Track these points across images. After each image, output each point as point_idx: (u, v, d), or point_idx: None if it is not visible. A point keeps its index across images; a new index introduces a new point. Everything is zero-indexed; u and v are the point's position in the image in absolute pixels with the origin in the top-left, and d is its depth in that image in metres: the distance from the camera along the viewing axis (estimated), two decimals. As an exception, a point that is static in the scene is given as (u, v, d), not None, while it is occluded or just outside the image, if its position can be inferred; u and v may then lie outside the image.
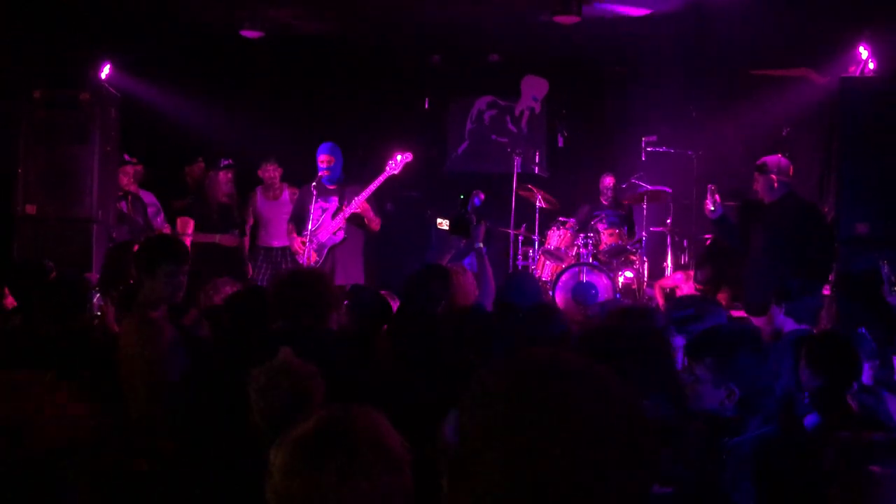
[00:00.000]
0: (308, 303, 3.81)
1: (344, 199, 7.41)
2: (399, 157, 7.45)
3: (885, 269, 4.96)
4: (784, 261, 5.89)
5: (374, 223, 7.47)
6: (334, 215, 7.41)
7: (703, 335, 2.98)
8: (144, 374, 3.40)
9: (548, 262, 9.01)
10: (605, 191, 9.25)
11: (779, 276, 5.71)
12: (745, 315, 6.25)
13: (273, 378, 2.76)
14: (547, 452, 1.13)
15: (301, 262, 7.32)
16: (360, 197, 7.32)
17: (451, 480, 1.23)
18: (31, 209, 7.17)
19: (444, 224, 7.38)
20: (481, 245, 5.21)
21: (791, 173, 6.22)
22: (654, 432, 1.24)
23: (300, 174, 8.11)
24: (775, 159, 6.23)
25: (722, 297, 7.72)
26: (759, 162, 6.26)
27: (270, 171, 8.29)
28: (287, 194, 8.21)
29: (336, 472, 1.63)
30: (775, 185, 6.14)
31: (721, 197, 6.44)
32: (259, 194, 8.32)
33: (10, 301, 4.72)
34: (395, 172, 7.44)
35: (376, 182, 7.36)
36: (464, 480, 1.18)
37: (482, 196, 5.88)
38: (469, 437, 1.19)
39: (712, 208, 6.38)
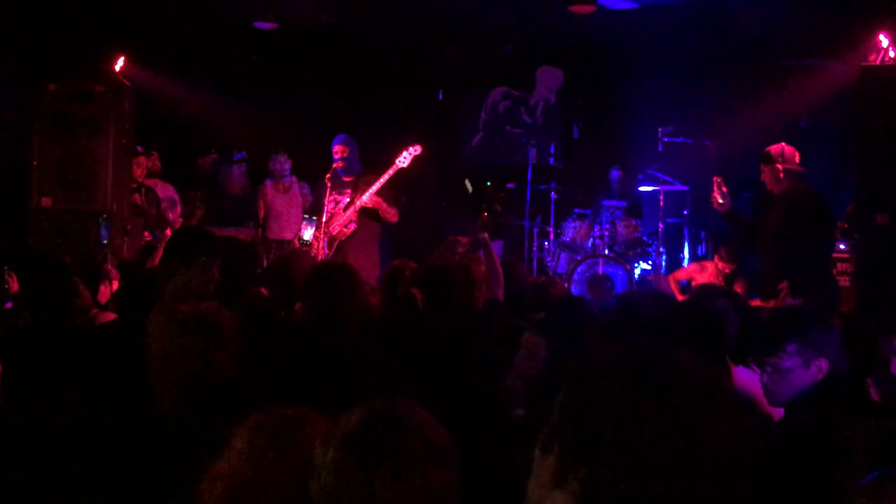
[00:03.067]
0: (332, 295, 3.77)
1: (359, 192, 7.36)
2: (409, 151, 7.37)
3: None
4: (795, 252, 5.81)
5: (391, 214, 7.41)
6: (346, 208, 7.36)
7: (772, 325, 2.98)
8: (176, 372, 3.37)
9: (563, 254, 8.97)
10: (612, 183, 9.20)
11: (791, 266, 5.65)
12: (761, 304, 6.19)
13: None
14: (658, 456, 1.12)
15: (313, 254, 7.28)
16: (369, 191, 7.26)
17: (561, 457, 1.19)
18: (45, 202, 7.17)
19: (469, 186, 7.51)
20: (484, 235, 5.14)
21: (798, 161, 6.12)
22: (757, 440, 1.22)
23: (314, 166, 8.09)
24: (779, 148, 6.11)
25: (738, 288, 7.66)
26: (764, 152, 6.16)
27: (281, 163, 8.25)
28: (297, 187, 8.17)
29: (391, 469, 1.60)
30: (781, 174, 6.04)
31: (738, 187, 6.36)
32: (269, 187, 8.29)
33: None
34: (404, 166, 7.36)
35: (385, 176, 7.29)
36: (575, 461, 1.16)
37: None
38: (580, 420, 1.17)
39: (721, 201, 6.31)
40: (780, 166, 6.03)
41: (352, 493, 1.60)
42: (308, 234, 7.28)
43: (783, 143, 6.18)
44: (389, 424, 1.66)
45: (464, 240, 5.46)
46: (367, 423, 1.66)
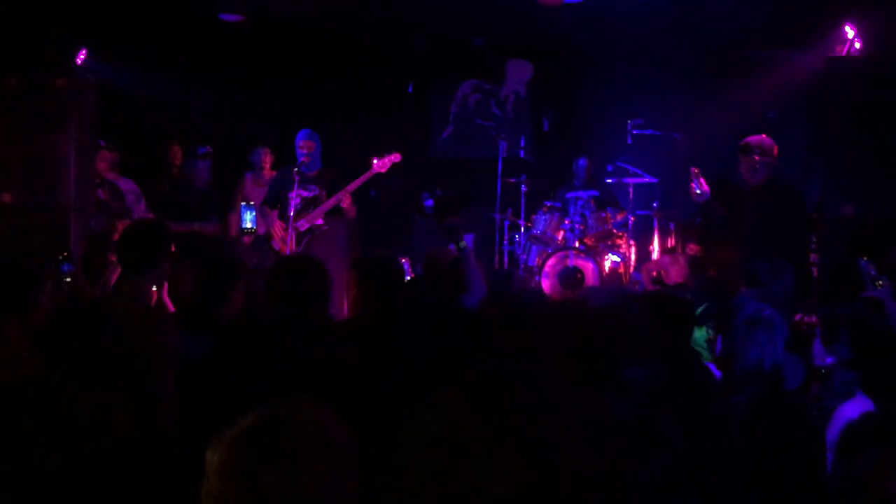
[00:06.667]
0: (301, 292, 3.71)
1: (323, 188, 7.31)
2: (389, 158, 7.34)
3: (864, 265, 4.88)
4: (768, 244, 5.84)
5: (352, 212, 7.40)
6: (314, 204, 7.30)
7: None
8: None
9: (534, 247, 8.95)
10: (578, 172, 9.17)
11: (765, 258, 5.67)
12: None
13: None
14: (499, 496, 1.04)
15: (277, 248, 7.22)
16: (344, 191, 7.21)
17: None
18: (6, 198, 7.06)
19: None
20: (463, 243, 5.04)
21: (776, 154, 6.14)
22: (621, 436, 1.14)
23: (280, 159, 8.03)
24: (758, 140, 6.14)
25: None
26: (742, 143, 6.18)
27: (262, 156, 8.17)
28: None
29: (277, 472, 1.53)
30: (757, 166, 6.05)
31: (706, 179, 6.37)
32: (248, 180, 8.20)
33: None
34: (382, 171, 7.35)
35: (361, 179, 7.27)
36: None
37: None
38: (408, 475, 1.10)
39: (698, 192, 6.32)
40: (757, 158, 6.05)
41: (239, 496, 1.53)
42: (248, 220, 7.16)
43: (763, 135, 6.19)
44: (280, 425, 1.59)
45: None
46: (258, 424, 1.60)
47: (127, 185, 7.88)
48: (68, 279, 4.59)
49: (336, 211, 7.29)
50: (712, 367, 3.45)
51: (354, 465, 1.60)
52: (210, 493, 1.56)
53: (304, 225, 7.26)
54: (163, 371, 2.71)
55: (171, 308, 4.28)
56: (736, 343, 3.14)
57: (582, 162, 9.12)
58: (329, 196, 7.24)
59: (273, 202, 7.37)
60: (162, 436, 2.47)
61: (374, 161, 7.32)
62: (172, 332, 2.97)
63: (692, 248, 7.82)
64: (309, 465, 1.55)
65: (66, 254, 4.74)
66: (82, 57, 7.59)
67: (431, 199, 5.68)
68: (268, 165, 8.19)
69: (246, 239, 7.01)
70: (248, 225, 6.99)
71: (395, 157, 7.36)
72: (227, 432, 1.60)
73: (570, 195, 8.86)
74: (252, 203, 7.27)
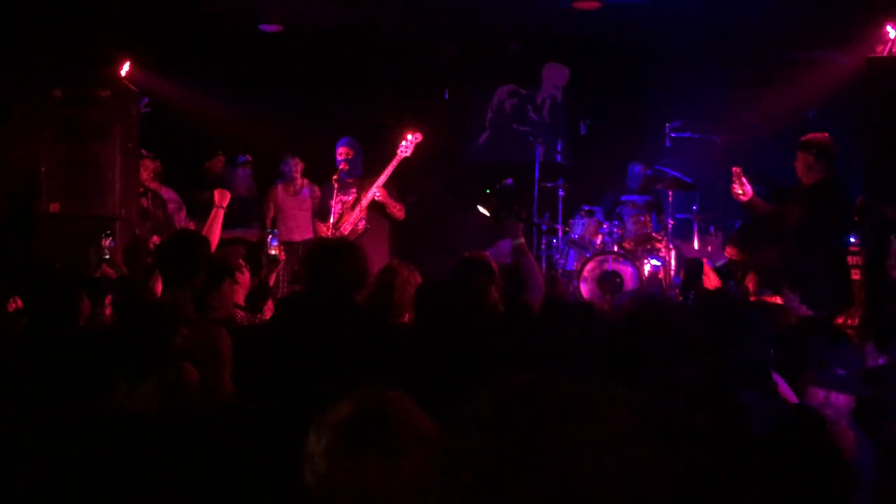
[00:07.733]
0: (335, 272, 3.74)
1: (362, 190, 7.42)
2: (409, 138, 7.42)
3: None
4: (812, 245, 5.78)
5: (397, 210, 7.46)
6: (353, 206, 7.41)
7: None
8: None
9: (572, 252, 8.94)
10: (634, 178, 9.16)
11: (804, 260, 5.62)
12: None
13: None
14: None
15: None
16: (376, 184, 7.31)
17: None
18: (54, 207, 7.19)
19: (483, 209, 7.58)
20: (521, 241, 5.03)
21: (834, 154, 6.07)
22: (659, 467, 1.12)
23: (320, 168, 8.11)
24: (819, 138, 6.08)
25: (749, 282, 7.61)
26: (802, 138, 6.12)
27: (292, 166, 8.28)
28: (307, 190, 8.19)
29: (381, 455, 1.68)
30: (814, 165, 5.99)
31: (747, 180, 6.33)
32: (280, 189, 8.31)
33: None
34: (407, 155, 7.41)
35: (389, 167, 7.36)
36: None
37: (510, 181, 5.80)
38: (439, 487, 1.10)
39: (740, 191, 6.27)
40: (814, 157, 5.99)
41: (344, 478, 1.68)
42: (271, 247, 7.18)
43: (825, 134, 6.14)
44: (377, 413, 1.74)
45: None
46: (356, 412, 1.74)
47: (168, 194, 8.01)
48: (107, 256, 4.71)
49: (382, 213, 7.39)
50: None
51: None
52: (317, 474, 1.71)
53: (346, 228, 7.38)
54: (222, 370, 2.80)
55: None
56: (729, 344, 3.11)
57: (638, 168, 9.11)
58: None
59: (322, 215, 7.50)
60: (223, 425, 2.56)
61: (399, 147, 7.39)
62: (225, 336, 3.05)
63: (729, 252, 7.76)
64: (404, 448, 1.70)
65: (108, 231, 4.87)
66: (126, 68, 7.72)
67: (501, 185, 5.74)
68: (298, 174, 8.28)
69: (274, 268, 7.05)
70: (273, 252, 7.00)
71: (418, 137, 7.43)
72: (327, 418, 1.75)
73: (625, 198, 8.87)
74: (276, 231, 7.31)
